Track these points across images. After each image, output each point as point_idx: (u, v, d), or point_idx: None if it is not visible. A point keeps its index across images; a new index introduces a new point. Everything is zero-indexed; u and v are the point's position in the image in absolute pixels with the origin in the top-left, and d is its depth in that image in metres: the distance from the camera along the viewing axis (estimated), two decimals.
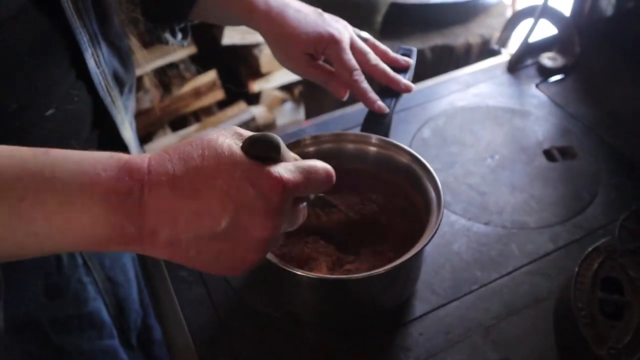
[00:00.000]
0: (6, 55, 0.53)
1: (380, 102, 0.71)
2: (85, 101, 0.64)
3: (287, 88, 2.33)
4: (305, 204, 0.49)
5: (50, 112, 0.59)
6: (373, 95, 0.72)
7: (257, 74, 2.21)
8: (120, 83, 0.71)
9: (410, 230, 0.64)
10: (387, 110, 0.71)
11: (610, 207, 0.75)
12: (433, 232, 0.55)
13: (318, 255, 0.60)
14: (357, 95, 0.72)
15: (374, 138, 0.65)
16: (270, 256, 0.54)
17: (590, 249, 0.64)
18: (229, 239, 0.42)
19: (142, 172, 0.40)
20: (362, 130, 0.70)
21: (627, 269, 0.62)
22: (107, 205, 0.39)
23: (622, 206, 0.74)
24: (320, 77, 0.75)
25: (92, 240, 0.40)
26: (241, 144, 0.43)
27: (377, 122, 0.70)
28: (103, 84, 0.65)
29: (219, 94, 2.20)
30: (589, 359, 0.56)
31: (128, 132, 0.74)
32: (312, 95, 1.61)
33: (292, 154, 0.48)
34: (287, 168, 0.43)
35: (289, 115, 2.30)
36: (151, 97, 2.04)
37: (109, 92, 0.67)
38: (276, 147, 0.43)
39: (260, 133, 0.44)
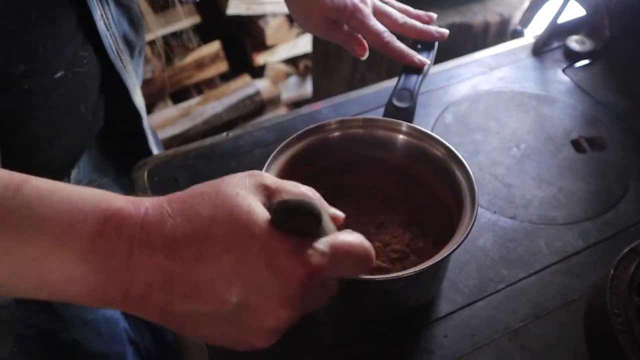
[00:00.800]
0: (11, 11, 0.49)
1: (419, 56, 0.71)
2: (94, 64, 0.61)
3: (292, 62, 2.27)
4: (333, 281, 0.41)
5: (59, 74, 0.55)
6: (410, 51, 0.71)
7: (262, 46, 2.15)
8: (130, 46, 0.68)
9: (437, 226, 0.60)
10: (428, 62, 0.71)
11: None
12: (465, 234, 0.51)
13: None
14: (394, 56, 0.71)
15: (406, 126, 0.60)
16: None
17: (626, 251, 0.60)
18: (233, 322, 0.35)
19: (133, 228, 0.33)
20: (387, 106, 0.68)
21: None
22: (86, 265, 0.33)
23: None
24: (340, 38, 0.74)
25: (71, 299, 0.34)
26: (271, 209, 0.36)
27: (402, 98, 0.69)
28: (114, 47, 0.62)
29: (222, 66, 2.14)
30: None
31: (139, 97, 0.72)
32: (322, 72, 1.55)
33: (331, 224, 0.39)
34: (318, 249, 0.35)
35: (294, 90, 2.24)
36: (152, 67, 1.98)
37: (119, 56, 0.64)
38: (317, 220, 0.35)
39: (296, 198, 0.35)
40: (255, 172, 0.38)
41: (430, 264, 0.49)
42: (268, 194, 0.38)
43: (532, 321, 0.60)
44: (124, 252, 0.33)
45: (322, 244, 0.36)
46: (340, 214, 0.43)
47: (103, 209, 0.34)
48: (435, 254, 0.51)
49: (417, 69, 0.72)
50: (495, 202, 0.71)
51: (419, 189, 0.62)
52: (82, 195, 0.34)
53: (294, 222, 0.34)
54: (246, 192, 0.36)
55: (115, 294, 0.34)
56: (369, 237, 0.60)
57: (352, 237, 0.38)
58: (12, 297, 0.58)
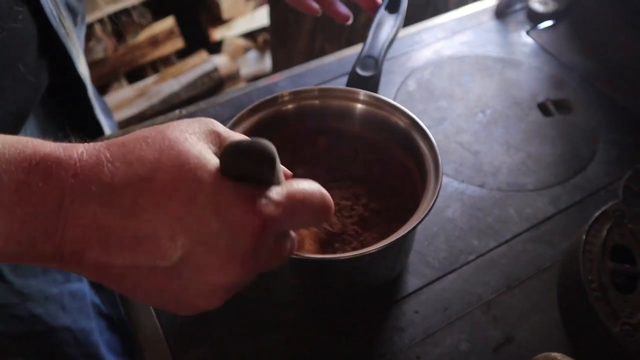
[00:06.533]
0: None
1: (345, 8, 0.69)
2: (31, 20, 0.57)
3: (250, 36, 2.20)
4: (294, 235, 0.37)
5: None
6: (341, 5, 0.70)
7: (218, 20, 2.07)
8: (73, 12, 0.64)
9: (402, 198, 0.57)
10: (351, 15, 0.70)
11: (612, 165, 0.70)
12: (428, 209, 0.47)
13: (303, 232, 0.52)
14: (324, 7, 0.70)
15: (364, 95, 0.56)
16: None
17: (597, 214, 0.58)
18: (176, 278, 0.31)
19: (63, 175, 0.29)
20: (350, 75, 0.64)
21: (638, 236, 0.57)
22: (10, 218, 0.29)
23: (624, 164, 0.69)
24: None
25: (1, 256, 0.30)
26: (220, 153, 0.31)
27: (366, 66, 0.66)
28: (55, 13, 0.58)
29: (178, 43, 2.06)
30: (600, 336, 0.52)
31: (83, 66, 0.68)
32: (281, 44, 1.50)
33: (282, 174, 0.35)
34: (272, 198, 0.31)
35: (253, 65, 2.18)
36: (104, 46, 1.89)
37: (62, 23, 0.60)
38: (271, 162, 0.30)
39: (247, 140, 0.31)
40: (204, 118, 0.34)
41: (393, 239, 0.46)
42: (219, 141, 0.34)
43: (505, 292, 0.57)
44: (52, 202, 0.29)
45: (276, 192, 0.32)
46: (287, 171, 0.40)
47: (28, 156, 0.30)
48: (398, 227, 0.48)
49: (394, 7, 0.71)
50: (463, 170, 0.69)
51: (380, 160, 0.59)
52: (5, 141, 0.30)
53: (246, 165, 0.30)
54: (196, 137, 0.32)
55: (47, 249, 0.30)
56: None
57: (307, 185, 0.34)
58: None
